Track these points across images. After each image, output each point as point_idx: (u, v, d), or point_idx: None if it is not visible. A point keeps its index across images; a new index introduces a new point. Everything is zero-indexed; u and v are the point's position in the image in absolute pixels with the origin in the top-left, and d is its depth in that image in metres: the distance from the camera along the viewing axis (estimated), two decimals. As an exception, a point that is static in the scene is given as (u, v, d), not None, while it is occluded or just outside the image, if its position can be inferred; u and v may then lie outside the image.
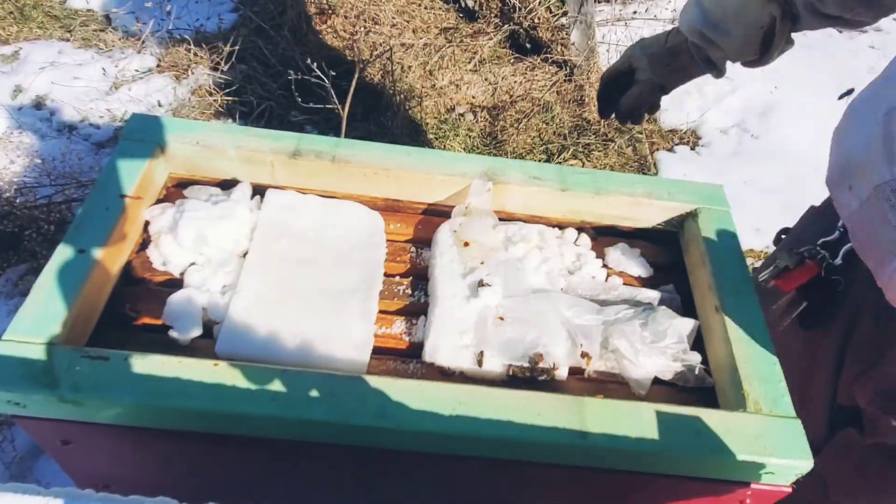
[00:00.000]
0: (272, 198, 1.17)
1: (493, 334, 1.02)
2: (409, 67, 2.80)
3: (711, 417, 0.92)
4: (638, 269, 1.19)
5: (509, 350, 1.01)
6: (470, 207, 1.19)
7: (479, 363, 0.99)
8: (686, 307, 1.15)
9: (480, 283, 1.07)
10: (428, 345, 1.02)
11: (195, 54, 2.78)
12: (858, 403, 1.00)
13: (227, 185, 1.19)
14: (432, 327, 1.03)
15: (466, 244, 1.14)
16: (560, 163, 2.61)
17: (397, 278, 1.14)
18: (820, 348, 1.08)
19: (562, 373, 1.02)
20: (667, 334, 1.03)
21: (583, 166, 2.62)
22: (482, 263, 1.12)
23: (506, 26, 3.01)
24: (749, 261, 2.52)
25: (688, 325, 1.06)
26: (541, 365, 1.00)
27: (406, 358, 1.03)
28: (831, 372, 1.06)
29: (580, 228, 1.25)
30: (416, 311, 1.10)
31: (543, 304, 1.06)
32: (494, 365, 1.01)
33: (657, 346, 1.03)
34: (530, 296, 1.07)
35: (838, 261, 1.02)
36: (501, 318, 1.04)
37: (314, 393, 0.88)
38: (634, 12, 3.29)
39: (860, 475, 1.03)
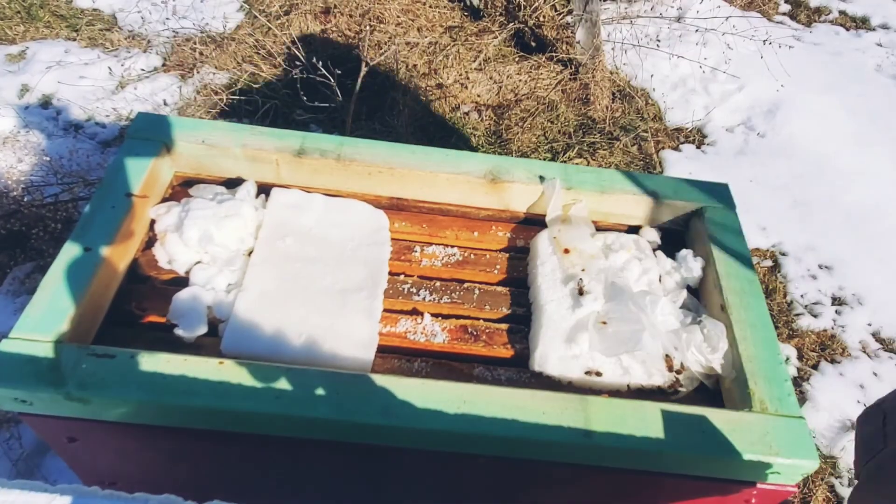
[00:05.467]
0: (277, 196, 1.17)
1: (596, 337, 1.03)
2: (414, 66, 2.80)
3: (717, 417, 0.92)
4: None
5: (611, 348, 1.02)
6: (569, 215, 1.20)
7: (599, 375, 1.01)
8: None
9: (580, 292, 1.08)
10: (538, 354, 1.02)
11: (201, 53, 2.79)
12: None
13: (233, 183, 1.19)
14: (540, 336, 1.04)
15: (566, 251, 1.15)
16: (565, 161, 2.60)
17: (402, 277, 1.15)
18: None
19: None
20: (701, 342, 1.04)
21: (588, 165, 2.62)
22: (583, 271, 1.12)
23: (511, 25, 3.00)
24: (755, 259, 2.52)
25: (720, 330, 1.06)
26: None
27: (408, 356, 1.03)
28: None
29: (638, 228, 1.26)
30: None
31: (641, 305, 1.07)
32: (609, 377, 1.01)
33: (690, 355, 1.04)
34: (629, 299, 1.07)
35: None
36: (604, 323, 1.05)
37: (319, 391, 0.88)
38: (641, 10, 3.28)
39: None
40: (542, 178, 1.21)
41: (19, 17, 2.96)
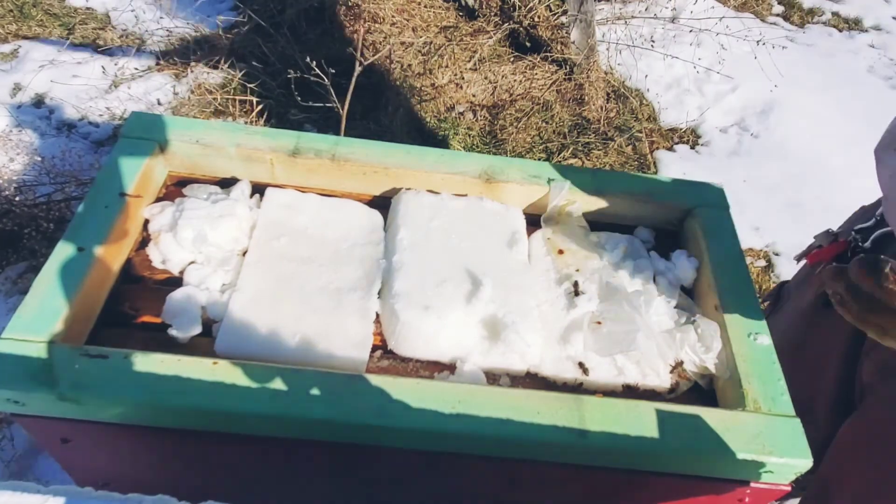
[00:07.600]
0: (271, 196, 1.16)
1: (591, 337, 1.03)
2: (409, 66, 2.80)
3: (711, 416, 0.92)
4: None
5: (606, 348, 1.02)
6: (562, 215, 1.20)
7: (585, 372, 1.00)
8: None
9: (575, 293, 1.08)
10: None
11: (195, 52, 2.78)
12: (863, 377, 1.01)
13: (227, 183, 1.19)
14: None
15: (560, 252, 1.15)
16: (560, 161, 2.60)
17: (397, 277, 1.14)
18: (835, 332, 1.08)
19: (663, 381, 1.03)
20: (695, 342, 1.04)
21: (582, 165, 2.62)
22: (577, 271, 1.12)
23: (506, 25, 3.00)
24: (748, 260, 2.52)
25: (714, 330, 1.06)
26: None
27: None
28: (844, 354, 1.07)
29: (632, 227, 1.26)
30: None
31: (635, 305, 1.07)
32: (600, 375, 1.01)
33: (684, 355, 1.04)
34: (623, 299, 1.07)
35: (867, 244, 1.04)
36: (599, 323, 1.05)
37: (314, 391, 0.88)
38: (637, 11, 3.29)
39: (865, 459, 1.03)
40: (536, 178, 1.21)
41: (11, 15, 2.94)
